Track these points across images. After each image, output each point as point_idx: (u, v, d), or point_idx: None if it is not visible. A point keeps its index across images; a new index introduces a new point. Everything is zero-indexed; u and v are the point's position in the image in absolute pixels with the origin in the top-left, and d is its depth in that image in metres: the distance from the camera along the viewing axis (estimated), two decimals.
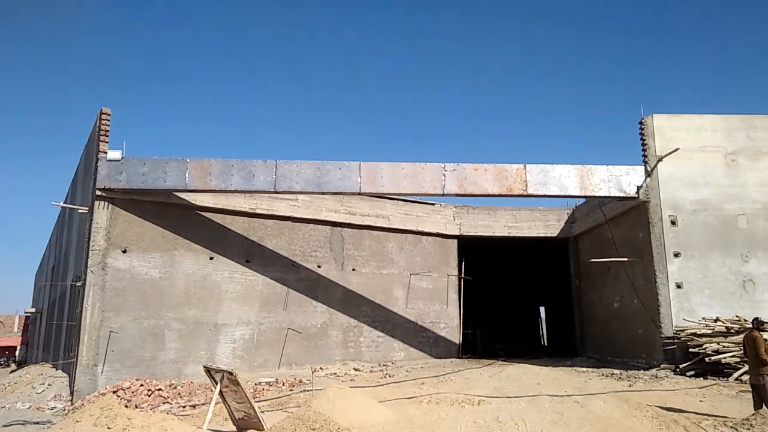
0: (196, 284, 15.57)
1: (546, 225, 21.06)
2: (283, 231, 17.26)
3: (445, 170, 15.32)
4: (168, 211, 15.50)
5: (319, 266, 17.71)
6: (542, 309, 30.40)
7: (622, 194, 15.60)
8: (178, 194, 15.50)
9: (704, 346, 13.66)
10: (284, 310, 16.77)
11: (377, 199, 19.11)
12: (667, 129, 15.86)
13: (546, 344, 30.46)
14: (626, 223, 16.96)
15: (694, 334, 14.05)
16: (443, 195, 15.33)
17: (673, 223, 15.38)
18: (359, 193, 15.26)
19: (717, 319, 14.33)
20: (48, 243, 32.41)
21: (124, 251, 14.76)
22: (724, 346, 13.50)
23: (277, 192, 15.07)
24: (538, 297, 29.73)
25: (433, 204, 20.55)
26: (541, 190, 15.44)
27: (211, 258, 15.91)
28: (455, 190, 15.26)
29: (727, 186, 15.59)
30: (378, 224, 18.94)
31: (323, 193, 15.28)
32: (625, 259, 16.29)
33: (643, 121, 15.97)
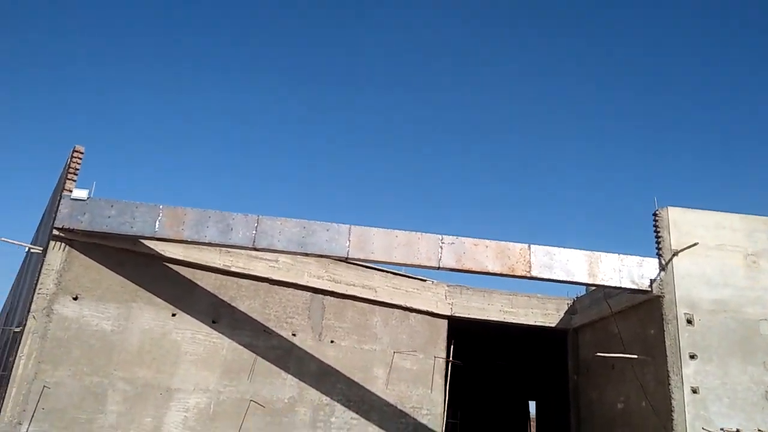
0: (153, 342, 13.80)
1: (544, 314, 19.53)
2: (259, 293, 15.64)
3: (443, 242, 13.99)
4: (132, 260, 13.98)
5: (294, 334, 15.97)
6: (533, 404, 28.26)
7: (634, 286, 14.24)
8: (146, 242, 14.02)
9: None
10: (249, 380, 14.88)
11: (365, 268, 17.63)
12: (683, 223, 14.74)
13: None
14: (635, 318, 15.50)
15: None
16: (438, 269, 13.92)
17: (689, 322, 13.95)
18: (346, 259, 13.83)
19: (738, 431, 12.68)
20: (11, 287, 30.45)
21: (75, 298, 13.12)
22: None
23: (256, 249, 13.62)
24: (530, 391, 27.68)
25: (425, 280, 19.06)
26: (545, 273, 14.08)
27: (174, 315, 14.22)
28: (452, 264, 13.88)
29: (747, 288, 14.30)
30: (363, 295, 17.36)
31: (307, 255, 13.83)
32: (635, 356, 14.72)
33: (657, 212, 14.88)
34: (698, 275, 14.29)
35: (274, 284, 15.85)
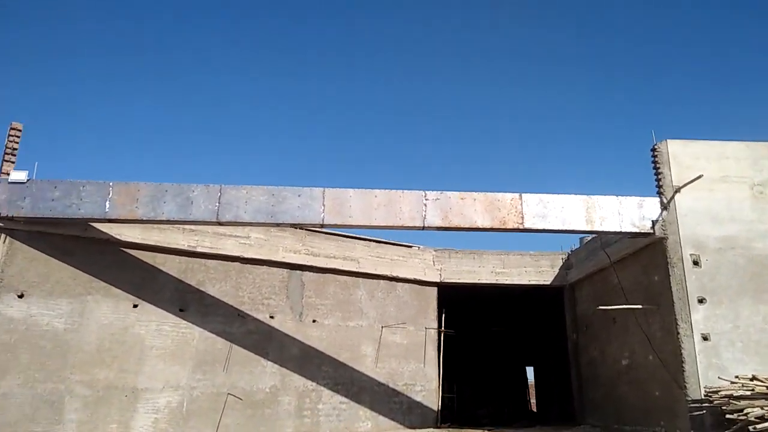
0: (113, 338, 12.34)
1: (538, 271, 18.48)
2: (230, 274, 14.24)
3: (427, 199, 12.72)
4: (83, 247, 12.46)
5: (271, 317, 14.63)
6: (531, 369, 27.38)
7: (635, 230, 13.17)
8: (97, 226, 12.51)
9: (745, 411, 10.99)
10: (224, 371, 13.53)
11: (345, 238, 16.33)
12: (684, 156, 13.65)
13: (535, 410, 27.28)
14: (637, 266, 14.48)
15: (731, 397, 11.38)
16: (424, 228, 12.66)
17: (696, 263, 12.94)
18: (322, 226, 12.47)
19: (754, 378, 11.74)
20: None
21: (21, 296, 11.59)
22: None
23: (220, 223, 12.19)
24: (527, 355, 26.79)
25: (411, 246, 17.83)
26: (539, 223, 12.93)
27: (135, 306, 12.77)
28: (438, 222, 12.64)
29: (755, 221, 13.32)
30: (345, 268, 16.06)
31: (278, 225, 12.44)
32: (639, 306, 13.70)
33: (656, 147, 13.76)
34: (703, 212, 13.26)
35: (246, 263, 14.46)
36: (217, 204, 12.05)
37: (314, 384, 14.81)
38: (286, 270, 15.07)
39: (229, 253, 14.08)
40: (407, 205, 12.64)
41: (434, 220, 12.63)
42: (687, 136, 13.98)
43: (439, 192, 12.82)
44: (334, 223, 12.37)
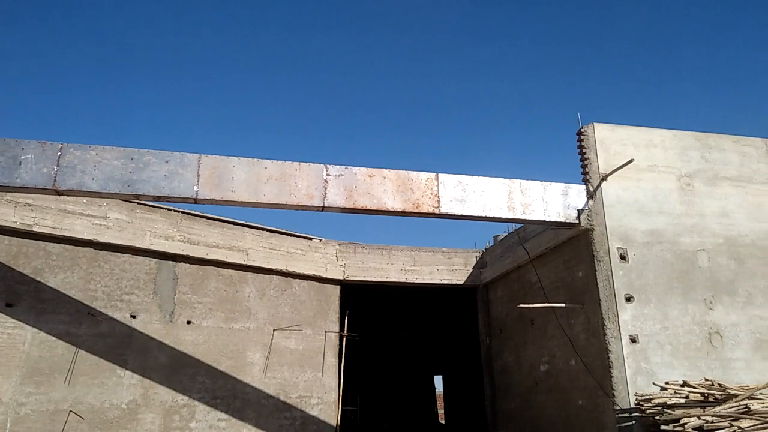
0: None
1: (451, 270, 16.87)
2: (79, 262, 11.41)
3: (328, 174, 10.64)
4: None
5: (133, 316, 11.91)
6: (440, 378, 25.86)
7: (561, 219, 11.78)
8: None
9: (682, 421, 9.76)
10: (67, 383, 10.70)
11: (232, 225, 13.89)
12: (611, 142, 12.50)
13: (444, 422, 25.74)
14: (558, 261, 13.16)
15: (664, 405, 10.14)
16: (324, 209, 10.57)
17: (623, 258, 11.73)
18: (195, 201, 10.03)
19: (685, 384, 10.62)
20: None
21: None
22: (708, 421, 9.67)
23: (58, 191, 9.44)
24: (437, 362, 25.23)
25: (311, 238, 15.64)
26: (457, 208, 11.21)
27: None
28: (341, 202, 10.58)
29: (682, 215, 12.35)
30: (231, 260, 13.59)
31: (137, 197, 9.84)
32: (562, 305, 12.33)
33: (582, 130, 12.52)
34: (630, 202, 12.13)
35: (101, 249, 11.69)
36: (55, 167, 9.32)
37: (186, 398, 12.22)
38: (154, 260, 12.41)
39: (79, 236, 11.27)
40: (304, 181, 10.50)
41: (336, 199, 10.57)
42: (613, 121, 12.90)
43: (343, 167, 10.78)
44: (211, 198, 9.98)
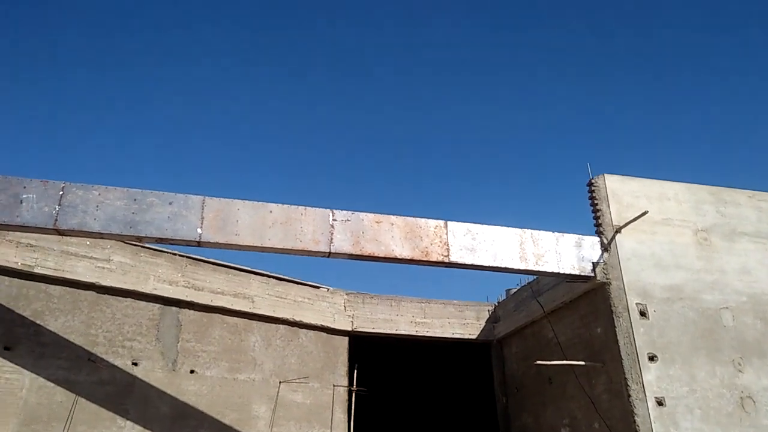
0: None
1: (463, 323, 16.31)
2: (80, 305, 11.24)
3: (335, 219, 10.45)
4: None
5: (135, 363, 11.60)
6: None
7: (575, 272, 11.34)
8: None
9: None
10: None
11: (238, 271, 13.67)
12: (623, 194, 12.19)
13: None
14: (575, 316, 12.60)
15: None
16: (330, 255, 10.33)
17: (643, 314, 11.18)
18: (198, 244, 9.86)
19: None
20: None
21: None
22: None
23: (59, 231, 9.37)
24: (450, 421, 24.10)
25: (318, 287, 15.31)
26: (467, 257, 10.88)
27: None
28: (348, 248, 10.34)
29: (702, 271, 11.83)
30: (236, 307, 13.31)
31: (139, 239, 9.73)
32: (582, 363, 11.70)
33: (593, 182, 12.25)
34: (647, 256, 11.67)
35: (104, 293, 11.54)
36: (57, 206, 9.28)
37: None
38: (158, 305, 12.19)
39: (81, 279, 11.15)
40: (310, 225, 10.31)
41: (343, 245, 10.33)
42: (621, 172, 12.61)
43: (350, 212, 10.60)
44: (214, 242, 9.82)
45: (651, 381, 10.59)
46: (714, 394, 10.75)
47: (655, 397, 10.47)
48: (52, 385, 10.56)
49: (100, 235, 9.49)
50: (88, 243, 11.27)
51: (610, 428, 10.98)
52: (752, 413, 10.71)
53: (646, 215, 11.47)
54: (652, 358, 10.79)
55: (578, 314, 12.48)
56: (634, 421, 10.31)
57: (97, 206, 9.39)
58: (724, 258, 12.09)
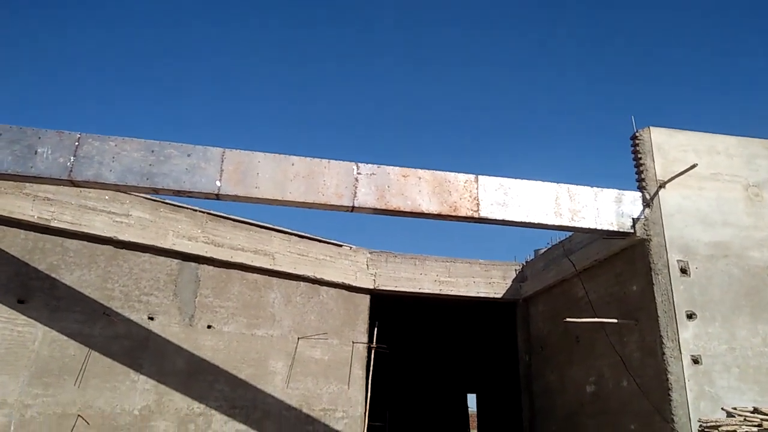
0: None
1: (488, 283, 15.84)
2: (97, 260, 10.89)
3: (359, 172, 9.88)
4: None
5: (151, 318, 11.32)
6: (473, 397, 24.65)
7: (614, 228, 10.71)
8: None
9: None
10: (77, 386, 10.14)
11: (259, 228, 13.24)
12: (670, 148, 11.42)
13: None
14: (609, 274, 12.05)
15: None
16: (353, 209, 9.80)
17: (684, 271, 10.59)
18: (217, 197, 9.38)
19: (756, 410, 9.41)
20: None
21: None
22: None
23: (74, 182, 8.94)
24: (471, 380, 24.05)
25: (341, 245, 14.88)
26: (498, 213, 10.29)
27: None
28: (372, 203, 9.79)
29: (751, 228, 11.15)
30: (257, 264, 12.94)
31: (155, 191, 9.25)
32: (614, 320, 11.22)
33: (637, 135, 11.48)
34: (692, 212, 11.00)
35: (121, 247, 11.18)
36: (72, 157, 8.81)
37: (203, 406, 11.54)
38: (176, 260, 11.83)
39: (99, 233, 10.77)
40: (333, 179, 9.76)
41: (367, 199, 9.79)
42: (670, 126, 11.82)
43: (375, 165, 10.01)
44: (234, 194, 9.33)
45: (687, 339, 10.11)
46: (755, 353, 10.26)
47: (691, 356, 10.00)
48: (66, 338, 10.31)
49: (116, 187, 9.04)
50: (106, 197, 10.86)
51: (640, 386, 10.57)
52: None
53: (694, 170, 10.75)
54: (690, 316, 10.27)
55: (613, 272, 11.92)
56: (667, 379, 9.88)
57: (113, 157, 8.91)
58: None
